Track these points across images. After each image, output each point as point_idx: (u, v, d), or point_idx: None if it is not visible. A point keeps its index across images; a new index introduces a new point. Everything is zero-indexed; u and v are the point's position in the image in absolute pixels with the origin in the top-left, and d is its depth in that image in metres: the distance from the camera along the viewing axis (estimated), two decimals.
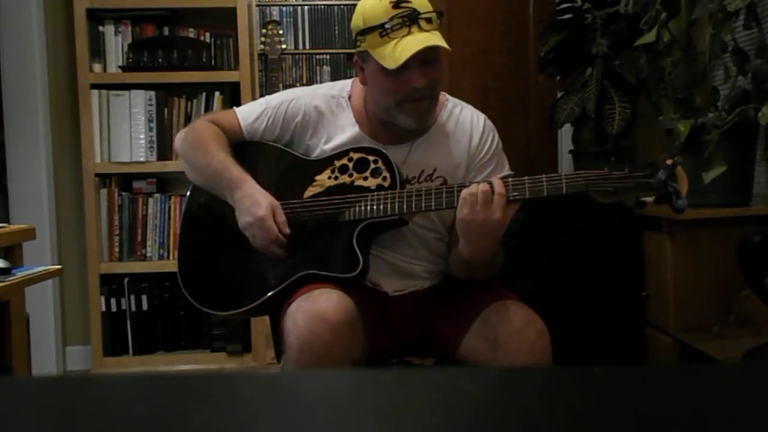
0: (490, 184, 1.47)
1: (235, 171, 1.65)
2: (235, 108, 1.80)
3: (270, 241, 1.59)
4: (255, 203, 1.60)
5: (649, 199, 1.48)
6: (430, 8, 1.60)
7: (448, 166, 1.69)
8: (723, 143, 2.02)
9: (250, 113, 1.76)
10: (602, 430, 0.45)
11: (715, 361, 1.96)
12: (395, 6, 1.55)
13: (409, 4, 1.56)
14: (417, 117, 1.63)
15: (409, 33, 1.55)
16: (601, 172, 1.45)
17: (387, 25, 1.54)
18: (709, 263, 2.21)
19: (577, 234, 2.50)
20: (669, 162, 1.43)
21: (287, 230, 1.60)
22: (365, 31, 1.58)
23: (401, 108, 1.61)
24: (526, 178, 1.49)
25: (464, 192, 1.47)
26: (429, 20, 1.57)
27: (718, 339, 2.08)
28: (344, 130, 1.70)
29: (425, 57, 1.56)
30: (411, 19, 1.55)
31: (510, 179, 1.49)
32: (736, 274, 1.80)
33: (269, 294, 1.62)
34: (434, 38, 1.55)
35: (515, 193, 1.47)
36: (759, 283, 1.73)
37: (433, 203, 1.55)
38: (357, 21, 1.61)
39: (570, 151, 3.03)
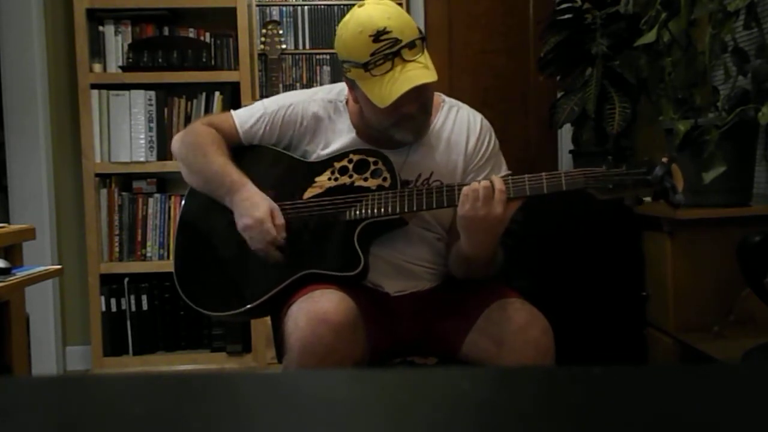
0: (491, 181, 1.48)
1: (235, 174, 1.65)
2: (232, 111, 1.78)
3: (267, 243, 1.59)
4: (254, 205, 1.60)
5: (647, 199, 1.50)
6: (413, 28, 1.55)
7: (446, 169, 1.68)
8: (723, 143, 2.01)
9: (247, 118, 1.74)
10: (602, 430, 0.45)
11: (715, 361, 1.96)
12: (375, 40, 1.50)
13: (389, 35, 1.50)
14: (414, 132, 1.63)
15: (392, 68, 1.51)
16: (600, 170, 1.48)
17: (370, 65, 1.51)
18: (709, 263, 2.21)
19: (577, 233, 2.50)
20: (665, 160, 1.45)
21: (284, 234, 1.60)
22: (349, 62, 1.55)
23: (397, 127, 1.60)
24: (526, 176, 1.50)
25: (466, 189, 1.48)
26: (411, 46, 1.52)
27: (718, 339, 2.08)
28: (341, 136, 1.70)
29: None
30: (393, 53, 1.51)
31: (510, 177, 1.51)
32: (736, 274, 1.80)
33: (269, 294, 1.62)
34: (420, 74, 1.52)
35: (516, 190, 1.48)
36: (759, 283, 1.73)
37: (434, 202, 1.56)
38: (339, 49, 1.58)
39: (570, 151, 3.03)
